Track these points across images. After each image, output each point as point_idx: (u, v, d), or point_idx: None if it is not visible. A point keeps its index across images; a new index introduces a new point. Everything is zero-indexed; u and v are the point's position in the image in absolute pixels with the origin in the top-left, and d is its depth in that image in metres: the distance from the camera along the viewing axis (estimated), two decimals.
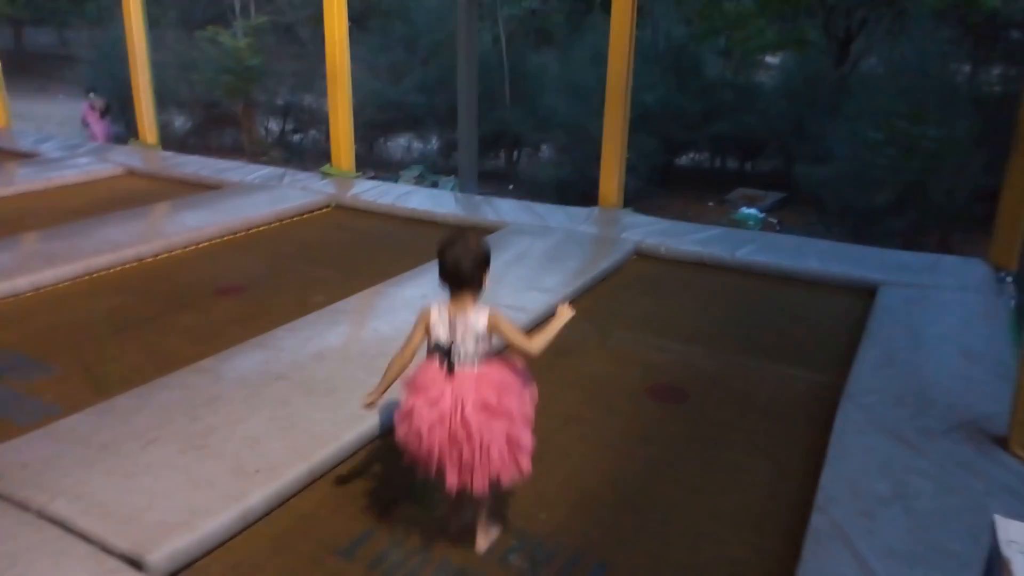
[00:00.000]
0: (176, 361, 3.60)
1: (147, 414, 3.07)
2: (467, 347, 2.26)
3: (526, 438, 2.32)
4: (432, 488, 2.51)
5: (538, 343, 2.30)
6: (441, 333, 2.27)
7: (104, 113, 11.01)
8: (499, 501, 2.60)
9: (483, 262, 2.32)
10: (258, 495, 2.59)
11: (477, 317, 2.27)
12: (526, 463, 2.32)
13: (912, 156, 8.51)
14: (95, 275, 4.99)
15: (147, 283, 4.94)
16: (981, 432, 3.00)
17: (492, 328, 2.28)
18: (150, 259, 5.33)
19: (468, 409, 2.20)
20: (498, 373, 2.31)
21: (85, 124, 11.05)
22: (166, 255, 5.44)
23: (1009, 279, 4.76)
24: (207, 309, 4.52)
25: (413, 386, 2.31)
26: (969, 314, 4.27)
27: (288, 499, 2.70)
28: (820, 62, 12.16)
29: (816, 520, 2.51)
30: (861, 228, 9.30)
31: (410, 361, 2.38)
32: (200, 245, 5.66)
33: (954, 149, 8.32)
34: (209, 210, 6.25)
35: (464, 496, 2.35)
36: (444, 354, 2.27)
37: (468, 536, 2.51)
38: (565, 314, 2.40)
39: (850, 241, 7.64)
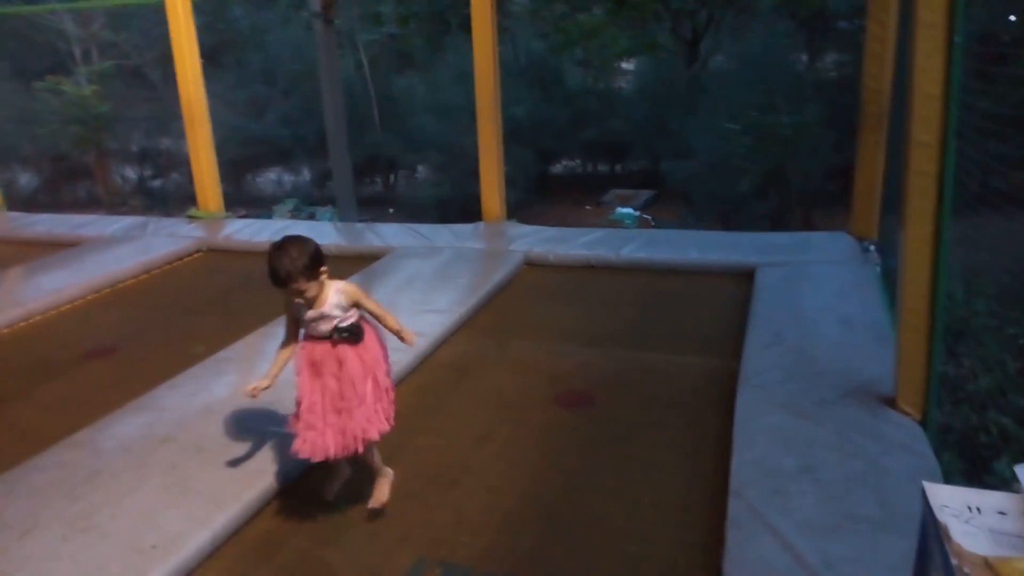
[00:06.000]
0: (46, 438, 3.27)
1: (19, 501, 2.77)
2: None
3: None
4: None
5: None
6: None
7: None
8: None
9: None
10: (158, 573, 2.37)
11: None
12: None
13: (768, 143, 9.02)
14: None
15: (3, 357, 4.51)
16: (870, 395, 3.16)
17: None
18: (5, 330, 4.87)
19: None
20: None
21: None
22: (23, 323, 4.98)
23: (872, 248, 5.08)
24: (76, 377, 4.17)
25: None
26: (842, 285, 4.52)
27: (192, 573, 2.48)
28: (672, 64, 12.73)
29: (733, 506, 2.55)
30: (729, 215, 9.77)
31: None
32: (61, 308, 5.23)
33: (805, 133, 8.88)
34: (68, 269, 5.80)
35: None
36: None
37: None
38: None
39: (720, 229, 7.98)
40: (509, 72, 11.13)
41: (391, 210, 12.01)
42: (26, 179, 13.68)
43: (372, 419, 2.54)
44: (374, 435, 2.56)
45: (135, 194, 13.43)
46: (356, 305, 2.54)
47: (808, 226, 8.69)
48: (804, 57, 12.21)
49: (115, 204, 12.41)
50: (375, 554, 2.56)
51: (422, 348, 4.04)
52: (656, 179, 11.86)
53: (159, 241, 6.54)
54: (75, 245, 6.69)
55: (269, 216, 10.55)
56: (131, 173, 14.22)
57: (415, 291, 4.88)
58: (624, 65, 14.47)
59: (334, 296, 2.48)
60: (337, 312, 2.49)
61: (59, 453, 3.11)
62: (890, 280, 4.13)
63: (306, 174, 13.57)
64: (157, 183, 14.13)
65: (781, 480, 2.65)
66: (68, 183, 13.78)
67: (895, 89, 4.74)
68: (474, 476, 2.99)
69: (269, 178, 14.03)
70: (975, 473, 3.63)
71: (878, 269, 4.75)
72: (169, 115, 12.20)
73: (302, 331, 2.60)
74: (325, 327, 2.50)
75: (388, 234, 6.35)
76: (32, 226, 7.49)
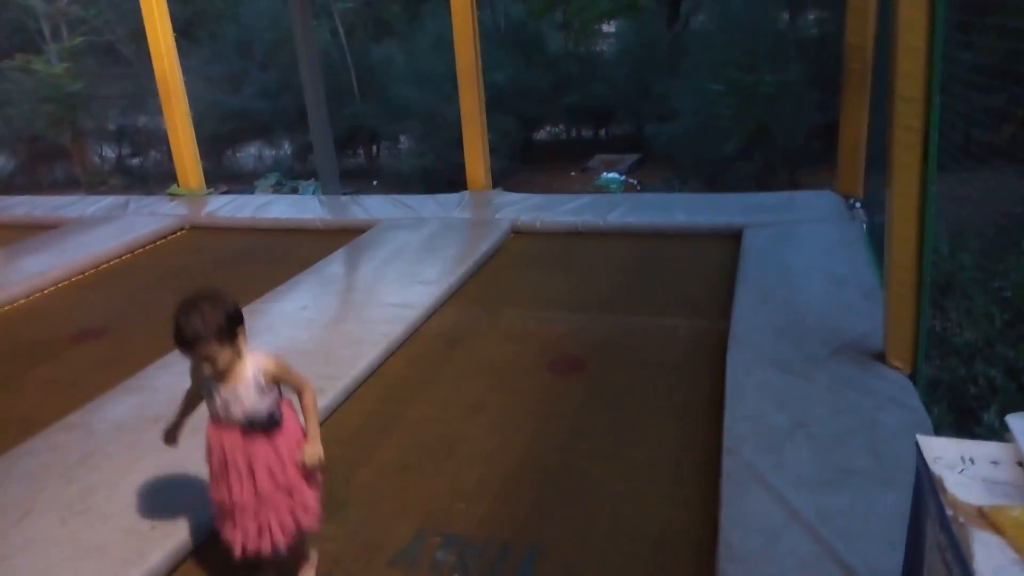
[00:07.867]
0: (38, 422, 3.27)
1: (14, 485, 2.77)
2: None
3: None
4: None
5: None
6: None
7: None
8: None
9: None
10: (160, 555, 2.37)
11: None
12: None
13: (752, 103, 8.96)
14: None
15: None
16: (860, 351, 3.18)
17: None
18: None
19: None
20: None
21: None
22: (8, 307, 4.94)
23: (858, 205, 5.09)
24: (64, 359, 4.14)
25: None
26: (829, 243, 4.54)
27: (192, 554, 2.47)
28: (654, 25, 12.58)
29: (727, 463, 2.58)
30: (715, 177, 9.73)
31: None
32: (45, 291, 5.18)
33: (789, 92, 8.82)
34: (50, 252, 5.73)
35: None
36: None
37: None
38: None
39: (706, 191, 7.95)
40: (489, 37, 10.97)
41: (375, 182, 11.91)
42: (2, 162, 13.45)
43: (299, 508, 2.14)
44: (310, 524, 2.17)
45: (114, 173, 13.20)
46: (277, 381, 2.10)
47: (794, 185, 8.67)
48: (785, 15, 12.10)
49: (94, 184, 12.21)
50: (375, 527, 2.58)
51: (413, 319, 4.04)
52: (641, 143, 11.78)
53: (141, 220, 6.46)
54: (56, 227, 6.60)
55: (251, 191, 10.45)
56: (109, 152, 13.98)
57: (403, 263, 4.86)
58: (605, 28, 14.29)
59: (251, 372, 2.03)
60: (253, 394, 2.04)
61: (52, 436, 3.10)
62: (876, 237, 4.15)
63: (287, 148, 13.39)
64: (136, 161, 13.91)
65: (774, 436, 2.68)
66: (45, 164, 13.54)
67: (878, 44, 4.71)
68: (469, 445, 3.00)
69: (250, 153, 13.84)
70: (965, 425, 3.68)
71: (864, 226, 4.77)
72: (145, 92, 11.97)
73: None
74: (237, 410, 2.04)
75: (373, 206, 6.30)
76: (11, 209, 7.38)
